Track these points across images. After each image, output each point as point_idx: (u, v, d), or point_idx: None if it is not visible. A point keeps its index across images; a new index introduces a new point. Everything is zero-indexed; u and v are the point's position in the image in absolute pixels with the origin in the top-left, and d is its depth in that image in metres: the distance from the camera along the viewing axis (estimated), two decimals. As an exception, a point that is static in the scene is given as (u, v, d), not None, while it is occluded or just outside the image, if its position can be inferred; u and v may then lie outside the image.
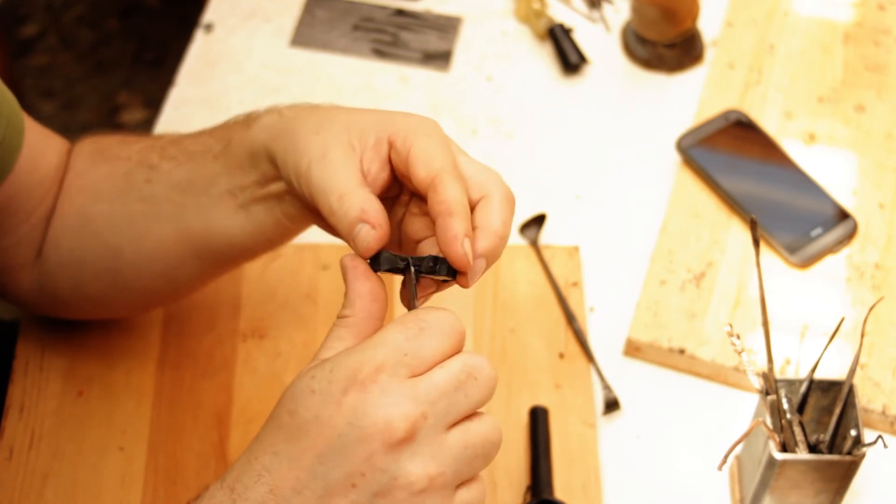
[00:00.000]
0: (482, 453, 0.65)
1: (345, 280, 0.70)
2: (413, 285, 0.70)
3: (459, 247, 0.69)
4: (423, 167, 0.71)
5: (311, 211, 0.79)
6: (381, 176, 0.74)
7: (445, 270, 0.70)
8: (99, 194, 0.91)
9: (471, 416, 0.65)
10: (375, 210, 0.71)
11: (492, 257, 0.71)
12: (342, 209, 0.71)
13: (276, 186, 0.82)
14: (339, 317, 0.69)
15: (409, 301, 0.70)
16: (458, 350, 0.66)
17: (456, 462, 0.64)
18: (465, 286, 0.71)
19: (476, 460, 0.65)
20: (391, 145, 0.74)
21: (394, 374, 0.63)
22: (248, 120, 0.84)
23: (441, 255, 0.70)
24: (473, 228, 0.71)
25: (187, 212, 0.86)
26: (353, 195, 0.71)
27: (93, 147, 0.94)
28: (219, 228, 0.86)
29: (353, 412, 0.62)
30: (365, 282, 0.69)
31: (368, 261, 0.70)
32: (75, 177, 0.93)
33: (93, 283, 0.93)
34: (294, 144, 0.77)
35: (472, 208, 0.72)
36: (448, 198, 0.70)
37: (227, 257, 0.90)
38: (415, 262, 0.70)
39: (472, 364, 0.65)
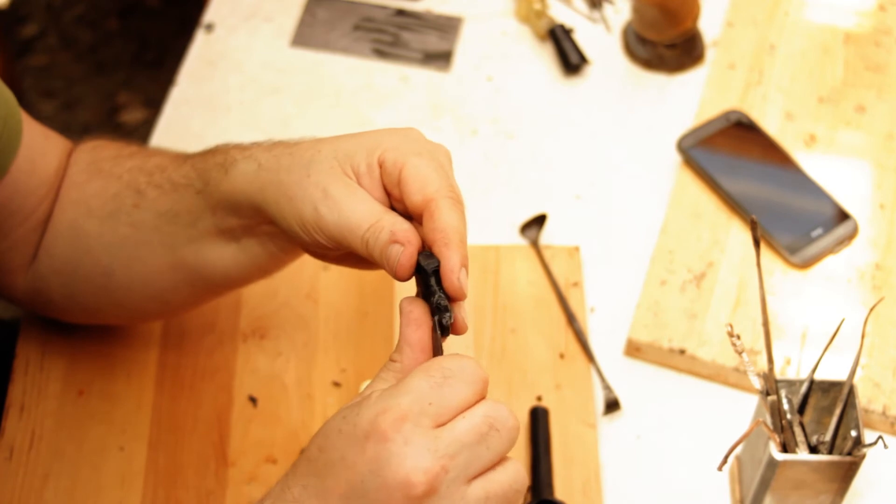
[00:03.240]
0: (504, 502, 0.65)
1: (400, 324, 0.70)
2: (439, 332, 0.70)
3: (456, 279, 0.69)
4: (418, 191, 0.71)
5: (308, 247, 0.78)
6: (382, 201, 0.74)
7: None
8: (90, 211, 0.90)
9: (493, 464, 0.65)
10: (405, 229, 0.71)
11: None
12: (374, 237, 0.71)
13: (266, 228, 0.81)
14: (390, 359, 0.70)
15: (436, 348, 0.70)
16: (480, 398, 0.66)
17: None
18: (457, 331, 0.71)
19: None
20: (381, 167, 0.73)
21: (417, 423, 0.63)
22: (226, 163, 0.81)
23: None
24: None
25: (177, 241, 0.86)
26: (383, 220, 0.71)
27: (90, 157, 0.93)
28: (211, 260, 0.85)
29: (376, 461, 0.63)
30: (416, 330, 0.69)
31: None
32: (70, 188, 0.92)
33: (85, 295, 0.93)
34: (286, 195, 0.75)
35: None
36: (445, 226, 0.70)
37: (220, 286, 0.89)
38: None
39: (494, 415, 0.65)
